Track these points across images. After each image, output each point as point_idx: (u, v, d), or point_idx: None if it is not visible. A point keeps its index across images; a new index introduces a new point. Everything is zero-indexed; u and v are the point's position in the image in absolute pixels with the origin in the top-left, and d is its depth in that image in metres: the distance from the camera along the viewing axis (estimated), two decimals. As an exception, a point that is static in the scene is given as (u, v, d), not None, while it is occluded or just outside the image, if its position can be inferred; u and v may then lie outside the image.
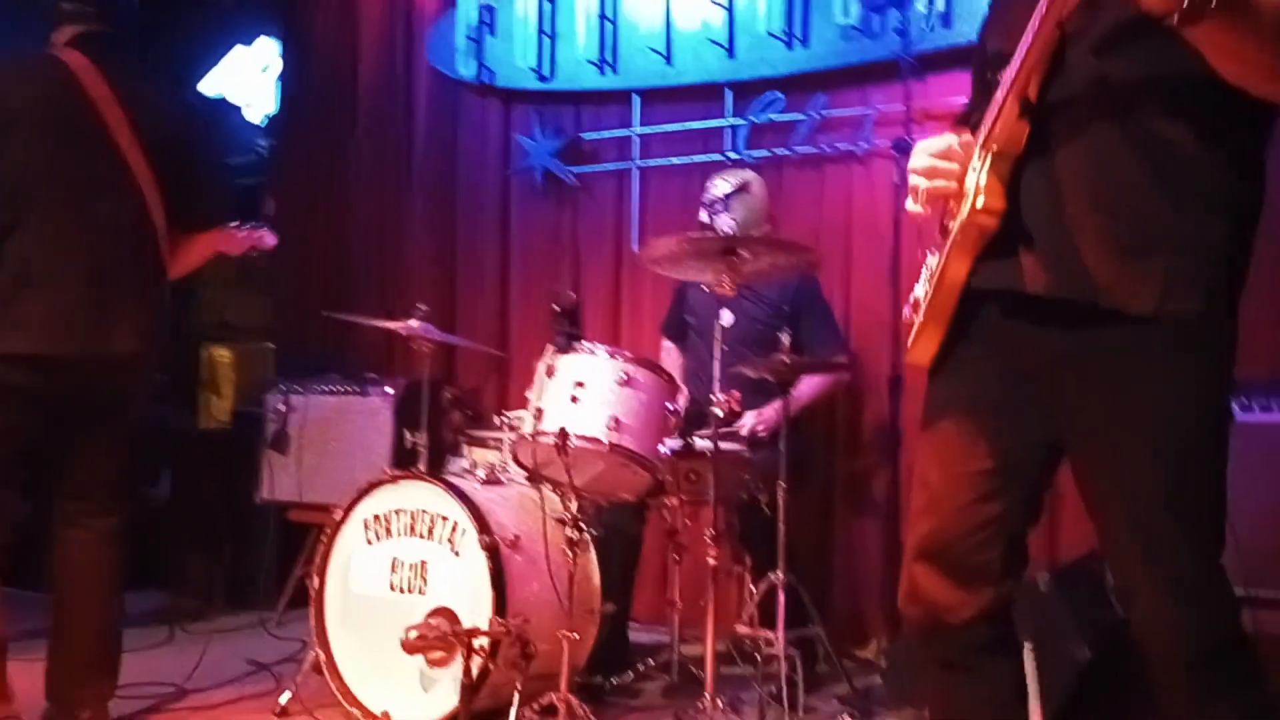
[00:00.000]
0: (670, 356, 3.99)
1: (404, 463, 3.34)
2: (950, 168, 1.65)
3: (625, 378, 2.89)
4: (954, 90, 3.91)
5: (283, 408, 4.24)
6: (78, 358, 2.67)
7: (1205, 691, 1.54)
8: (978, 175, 1.57)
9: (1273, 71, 1.41)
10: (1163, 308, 1.50)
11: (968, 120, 1.74)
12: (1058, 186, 1.55)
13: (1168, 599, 1.54)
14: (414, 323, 3.34)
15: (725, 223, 3.66)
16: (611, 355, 2.95)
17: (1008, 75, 1.54)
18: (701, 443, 3.08)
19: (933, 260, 1.72)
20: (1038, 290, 1.56)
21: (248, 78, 6.24)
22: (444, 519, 2.95)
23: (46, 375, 2.64)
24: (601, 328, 4.55)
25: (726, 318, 2.95)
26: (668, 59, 4.44)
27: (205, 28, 6.11)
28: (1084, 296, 1.53)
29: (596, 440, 2.82)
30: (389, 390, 4.13)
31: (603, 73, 4.58)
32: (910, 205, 1.72)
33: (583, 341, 2.99)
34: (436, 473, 3.10)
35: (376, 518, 3.04)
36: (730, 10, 4.32)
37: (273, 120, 5.99)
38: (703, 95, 4.44)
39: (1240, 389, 2.95)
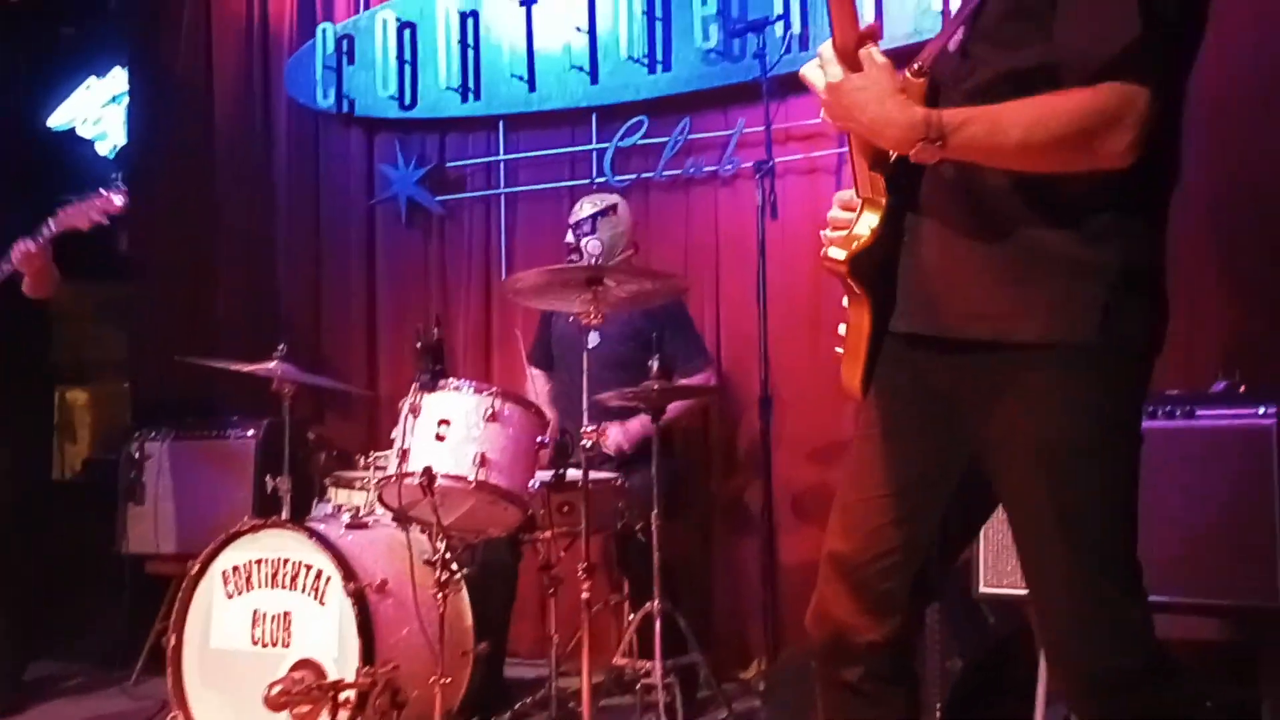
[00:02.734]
0: (537, 383, 3.92)
1: (267, 508, 3.21)
2: (849, 217, 1.65)
3: (492, 413, 2.84)
4: (813, 111, 3.95)
5: (137, 454, 4.04)
6: None
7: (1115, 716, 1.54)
8: (853, 226, 1.58)
9: (1040, 167, 1.48)
10: (1050, 334, 1.50)
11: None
12: (933, 227, 1.57)
13: (1069, 624, 1.54)
14: (273, 364, 3.23)
15: (591, 245, 3.66)
16: (477, 390, 2.90)
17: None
18: (573, 474, 3.04)
19: None
20: (924, 330, 1.59)
21: (99, 110, 6.01)
22: (307, 567, 2.84)
23: None
24: (473, 359, 4.47)
25: (592, 339, 2.95)
26: (531, 85, 4.40)
27: (55, 59, 5.87)
28: (967, 334, 1.54)
29: (463, 479, 2.76)
30: (250, 433, 3.97)
31: (465, 100, 4.51)
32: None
33: (448, 378, 2.94)
34: (299, 519, 2.99)
35: (236, 569, 2.92)
36: (592, 35, 4.29)
37: (122, 153, 5.76)
38: (568, 120, 4.41)
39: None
